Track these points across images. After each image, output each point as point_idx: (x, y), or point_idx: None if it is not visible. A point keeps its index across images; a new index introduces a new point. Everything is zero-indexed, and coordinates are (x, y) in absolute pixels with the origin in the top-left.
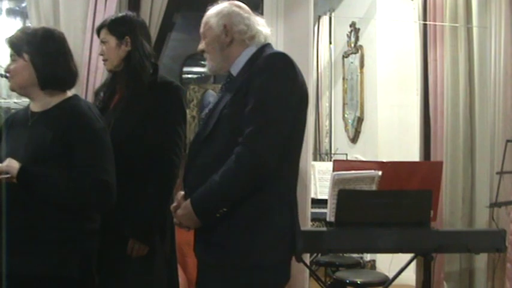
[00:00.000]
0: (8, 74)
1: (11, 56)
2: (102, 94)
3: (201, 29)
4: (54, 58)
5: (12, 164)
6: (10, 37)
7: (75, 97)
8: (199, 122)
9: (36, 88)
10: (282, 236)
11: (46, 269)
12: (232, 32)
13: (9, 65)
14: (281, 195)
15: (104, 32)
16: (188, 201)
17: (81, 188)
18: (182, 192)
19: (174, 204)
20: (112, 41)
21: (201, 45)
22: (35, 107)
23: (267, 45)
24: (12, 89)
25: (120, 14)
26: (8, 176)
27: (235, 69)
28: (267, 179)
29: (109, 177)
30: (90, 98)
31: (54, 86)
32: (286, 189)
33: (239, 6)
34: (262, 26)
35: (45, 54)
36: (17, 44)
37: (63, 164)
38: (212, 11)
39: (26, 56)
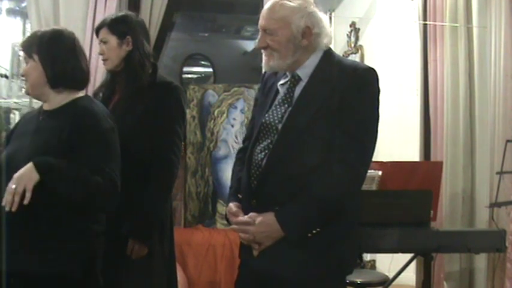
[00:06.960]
0: (23, 78)
1: (24, 59)
2: (101, 95)
3: (271, 24)
4: (63, 57)
5: (26, 177)
6: (22, 41)
7: (86, 97)
8: (200, 121)
9: (46, 88)
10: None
11: (49, 268)
12: (310, 36)
13: (24, 68)
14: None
15: (104, 32)
16: (270, 217)
17: (89, 185)
18: (233, 204)
19: (240, 218)
20: (113, 40)
21: (269, 41)
22: (47, 106)
23: (330, 49)
24: (27, 92)
25: (120, 14)
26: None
27: (304, 72)
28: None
29: (114, 178)
30: None
31: (65, 85)
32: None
33: (314, 4)
34: (328, 28)
35: (53, 54)
36: (27, 47)
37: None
38: (287, 4)
39: (35, 56)
